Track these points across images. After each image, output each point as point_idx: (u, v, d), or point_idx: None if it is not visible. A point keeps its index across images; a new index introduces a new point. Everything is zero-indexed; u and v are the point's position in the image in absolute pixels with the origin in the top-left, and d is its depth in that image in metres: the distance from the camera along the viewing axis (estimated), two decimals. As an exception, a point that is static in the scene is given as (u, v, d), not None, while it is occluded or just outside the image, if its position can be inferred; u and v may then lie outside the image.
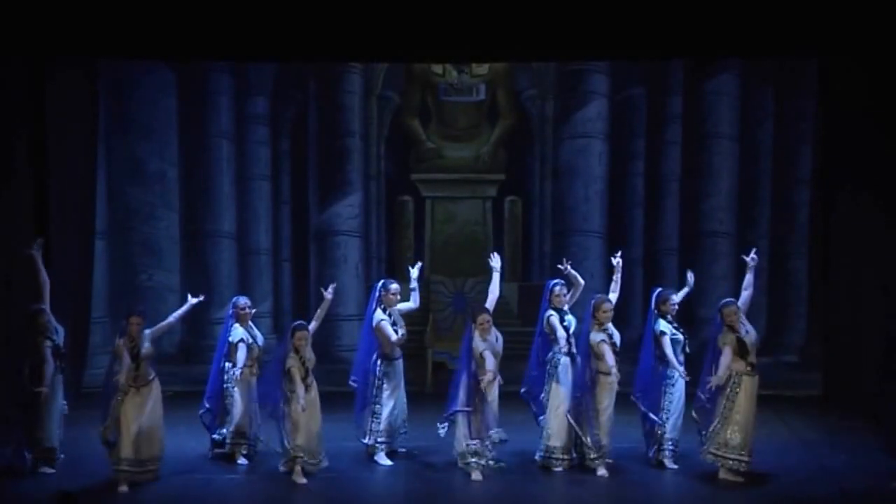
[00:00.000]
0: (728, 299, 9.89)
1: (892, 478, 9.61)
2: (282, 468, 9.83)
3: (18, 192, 11.59)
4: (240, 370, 10.13)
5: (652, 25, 11.17)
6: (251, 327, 10.45)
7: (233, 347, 10.27)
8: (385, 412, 10.36)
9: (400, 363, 10.52)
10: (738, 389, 9.62)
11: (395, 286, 10.43)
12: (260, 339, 10.50)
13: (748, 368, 9.66)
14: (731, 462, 9.61)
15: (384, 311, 10.41)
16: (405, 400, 10.58)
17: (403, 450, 10.60)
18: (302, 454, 9.66)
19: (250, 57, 12.71)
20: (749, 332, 9.71)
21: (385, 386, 10.39)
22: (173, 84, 13.74)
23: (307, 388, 9.64)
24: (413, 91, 14.24)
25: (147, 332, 9.69)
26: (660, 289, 10.44)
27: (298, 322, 9.93)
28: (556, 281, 10.31)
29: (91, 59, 12.27)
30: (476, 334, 9.75)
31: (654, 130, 14.03)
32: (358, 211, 14.03)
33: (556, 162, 14.10)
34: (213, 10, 11.03)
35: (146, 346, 9.61)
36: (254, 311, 10.53)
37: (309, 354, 9.73)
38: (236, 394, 10.28)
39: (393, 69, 14.14)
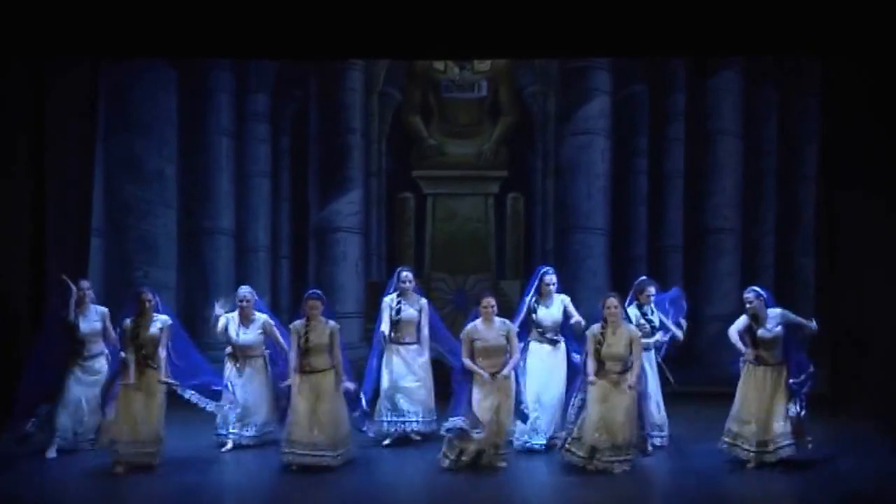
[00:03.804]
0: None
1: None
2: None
3: (16, 189, 11.52)
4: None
5: (654, 23, 11.12)
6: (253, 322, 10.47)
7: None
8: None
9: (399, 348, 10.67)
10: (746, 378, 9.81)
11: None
12: (244, 339, 10.46)
13: (754, 359, 9.80)
14: (738, 450, 9.76)
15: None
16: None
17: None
18: (290, 449, 9.58)
19: (251, 54, 12.62)
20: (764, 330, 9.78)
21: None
22: (173, 81, 13.67)
23: (306, 367, 9.55)
24: (414, 88, 14.16)
25: (162, 321, 9.75)
26: (643, 277, 10.72)
27: (312, 290, 9.91)
28: (544, 269, 10.55)
29: (91, 56, 12.15)
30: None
31: (658, 127, 13.97)
32: (358, 208, 13.96)
33: (559, 159, 14.02)
34: (213, 7, 10.98)
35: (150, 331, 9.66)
36: (249, 303, 10.47)
37: (316, 334, 9.58)
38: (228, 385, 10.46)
39: (394, 66, 14.07)
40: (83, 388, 10.17)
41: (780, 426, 9.68)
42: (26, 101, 11.62)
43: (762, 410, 9.69)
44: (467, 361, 9.62)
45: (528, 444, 10.28)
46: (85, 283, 10.42)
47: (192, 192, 13.82)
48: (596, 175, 13.86)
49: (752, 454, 9.70)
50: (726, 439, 9.83)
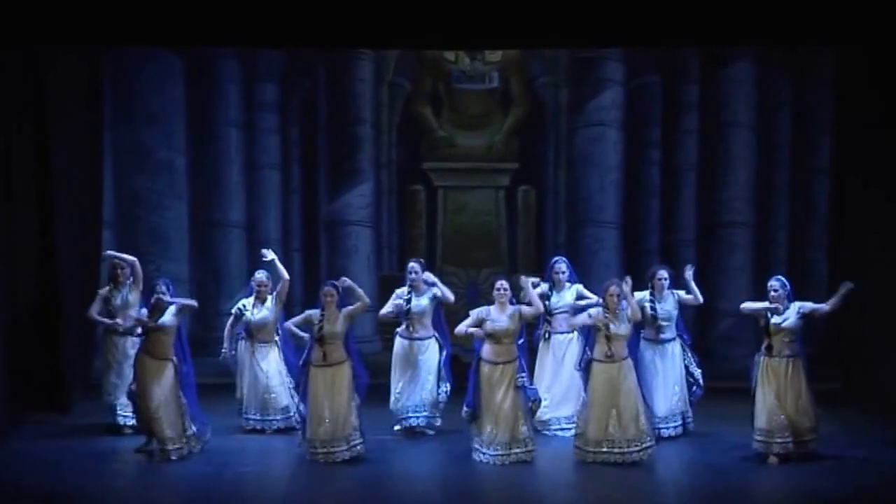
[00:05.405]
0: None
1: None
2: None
3: (23, 181, 11.44)
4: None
5: (666, 12, 10.99)
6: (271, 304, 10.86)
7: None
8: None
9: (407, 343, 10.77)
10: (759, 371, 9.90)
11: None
12: (259, 316, 10.80)
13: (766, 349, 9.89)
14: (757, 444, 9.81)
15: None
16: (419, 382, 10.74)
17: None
18: (315, 447, 9.65)
19: (258, 43, 12.50)
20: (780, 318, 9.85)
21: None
22: (180, 71, 13.58)
23: (324, 357, 9.67)
24: (425, 78, 14.08)
25: (174, 304, 9.89)
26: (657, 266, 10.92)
27: (329, 281, 10.17)
28: (555, 259, 10.96)
29: (95, 46, 12.08)
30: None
31: (670, 119, 13.87)
32: (369, 200, 13.90)
33: (571, 151, 13.94)
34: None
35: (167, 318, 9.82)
36: (265, 287, 10.85)
37: (329, 323, 9.68)
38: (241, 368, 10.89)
39: (404, 56, 13.98)
40: None
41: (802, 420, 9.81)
42: (28, 94, 11.51)
43: (784, 400, 9.74)
44: (461, 328, 9.72)
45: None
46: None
47: (202, 183, 13.75)
48: (608, 167, 13.77)
49: (789, 445, 9.73)
50: (759, 438, 9.80)
